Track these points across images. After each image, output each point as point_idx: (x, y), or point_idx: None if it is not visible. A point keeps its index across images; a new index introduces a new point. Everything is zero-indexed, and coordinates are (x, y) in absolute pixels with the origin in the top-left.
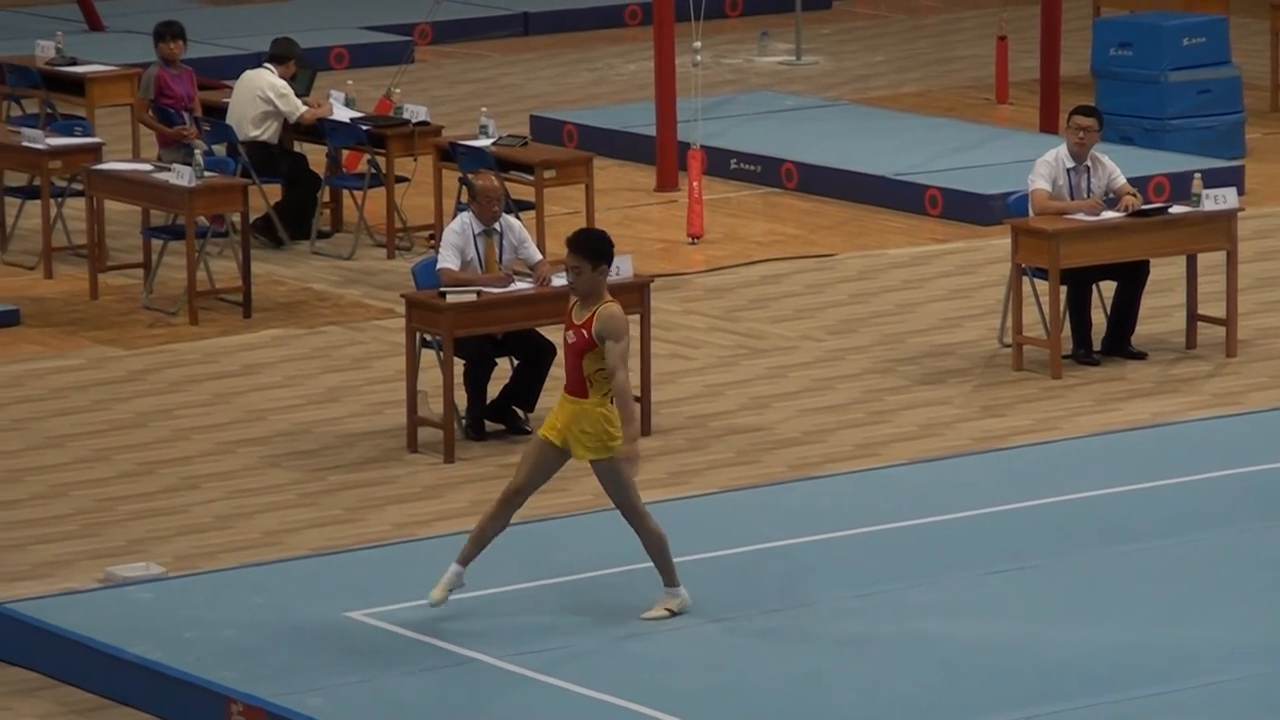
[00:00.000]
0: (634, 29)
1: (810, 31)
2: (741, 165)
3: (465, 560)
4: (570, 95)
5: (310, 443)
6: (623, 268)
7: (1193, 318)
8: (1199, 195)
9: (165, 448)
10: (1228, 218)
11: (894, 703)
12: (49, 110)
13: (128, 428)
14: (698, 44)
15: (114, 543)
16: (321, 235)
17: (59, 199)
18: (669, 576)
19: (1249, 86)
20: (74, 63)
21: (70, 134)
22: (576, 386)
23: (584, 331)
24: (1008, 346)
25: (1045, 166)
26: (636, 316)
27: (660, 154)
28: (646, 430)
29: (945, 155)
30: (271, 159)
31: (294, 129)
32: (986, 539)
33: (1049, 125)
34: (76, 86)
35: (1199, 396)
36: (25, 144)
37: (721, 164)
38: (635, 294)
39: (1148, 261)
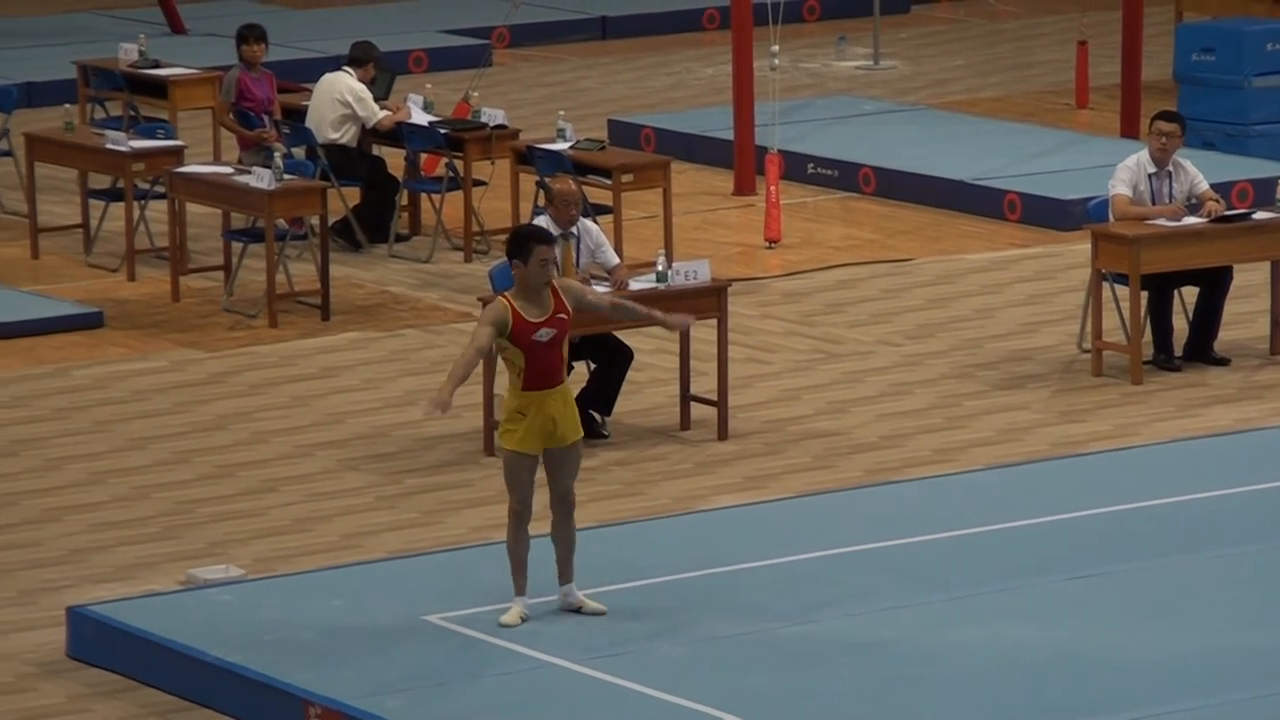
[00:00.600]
0: (712, 33)
1: (888, 36)
2: (819, 170)
3: (523, 589)
4: (648, 99)
5: (388, 446)
6: (700, 272)
7: (1276, 323)
8: None
9: (244, 450)
10: None
11: (975, 707)
12: (132, 113)
13: (208, 430)
14: (775, 48)
15: (194, 545)
16: (399, 238)
17: (142, 201)
18: (570, 573)
19: None
20: (156, 65)
21: (153, 136)
22: (560, 374)
23: (561, 315)
24: (1087, 352)
25: (1126, 172)
26: (714, 321)
27: (738, 158)
28: (724, 434)
29: (1024, 160)
30: (350, 162)
31: (372, 133)
32: (1067, 544)
33: (1130, 130)
34: (159, 89)
35: None
36: (109, 146)
37: (799, 168)
38: (712, 298)
39: (1231, 267)
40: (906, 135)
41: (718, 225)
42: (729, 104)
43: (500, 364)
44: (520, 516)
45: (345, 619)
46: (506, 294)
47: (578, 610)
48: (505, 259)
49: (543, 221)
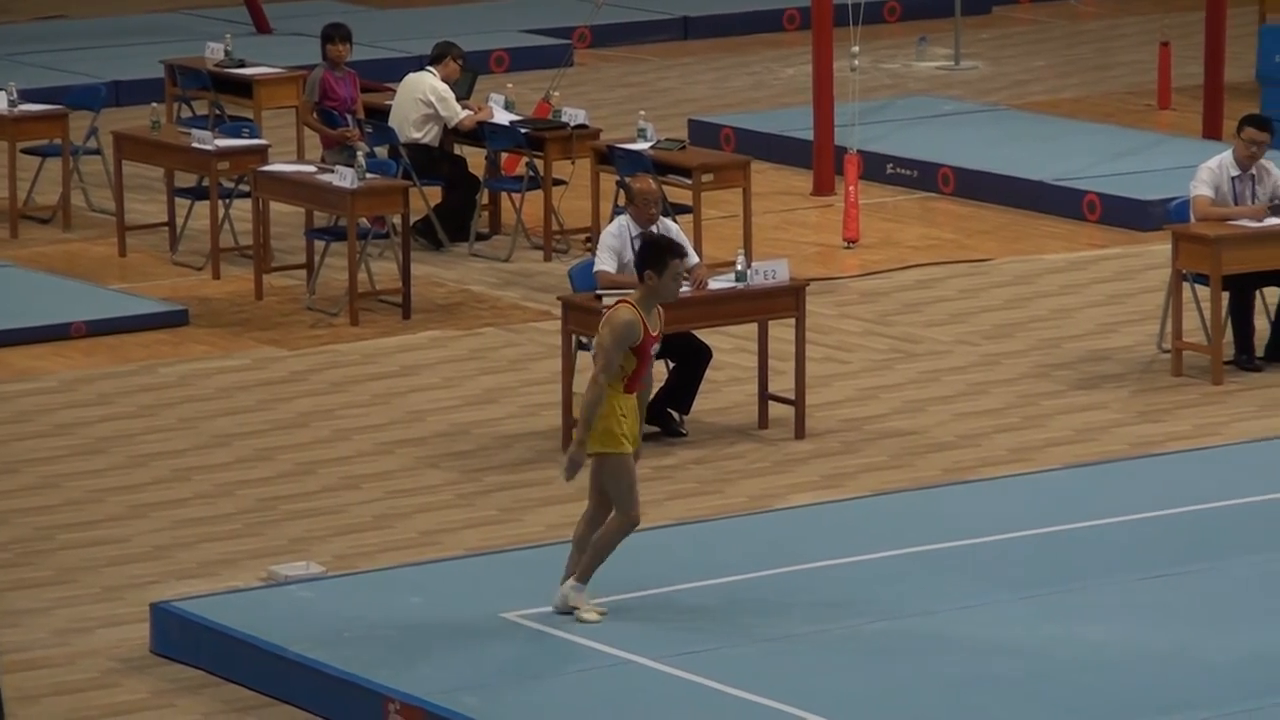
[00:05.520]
0: (792, 34)
1: (969, 36)
2: (898, 170)
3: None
4: (728, 99)
5: (467, 444)
6: (778, 271)
7: None
8: None
9: (325, 448)
10: None
11: (1050, 706)
12: (217, 112)
13: (289, 428)
14: (856, 49)
15: (276, 542)
16: (480, 237)
17: (226, 200)
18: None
19: None
20: (242, 65)
21: (238, 135)
22: None
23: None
24: (1167, 352)
25: (1208, 173)
26: (792, 320)
27: (817, 158)
28: (801, 433)
29: (1104, 161)
30: (432, 161)
31: (454, 132)
32: (1144, 544)
33: (1212, 132)
34: (244, 88)
35: None
36: (195, 145)
37: (878, 168)
38: (790, 297)
39: None
40: (986, 136)
41: (796, 225)
42: (809, 104)
43: (581, 362)
44: (631, 529)
45: (424, 616)
46: (632, 301)
47: (571, 611)
48: (588, 257)
49: (623, 221)
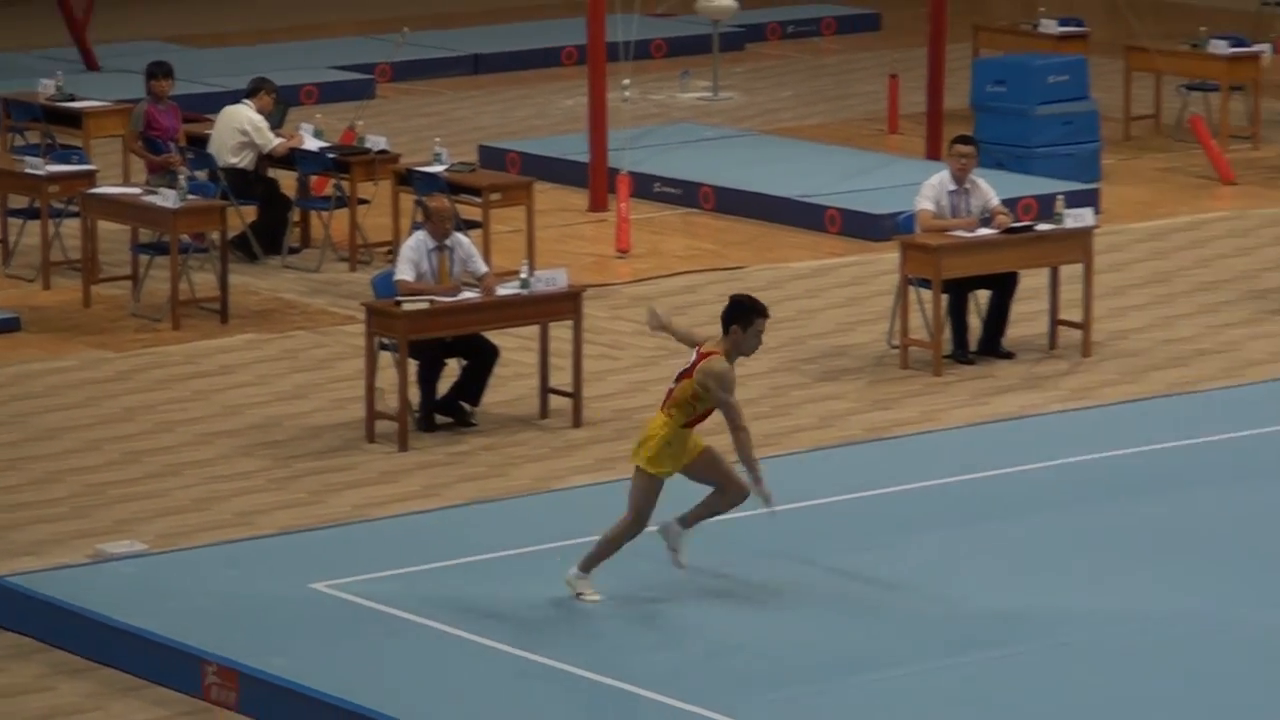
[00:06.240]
0: (570, 68)
1: (725, 70)
2: (664, 188)
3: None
4: (514, 127)
5: (279, 434)
6: (558, 279)
7: (1054, 322)
8: (1061, 214)
9: (149, 439)
10: (1085, 234)
11: (766, 660)
12: (49, 141)
13: (116, 421)
14: (626, 82)
15: (102, 523)
16: (291, 251)
17: (57, 219)
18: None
19: (1105, 118)
20: (72, 99)
21: (68, 162)
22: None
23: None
24: (895, 348)
25: (930, 189)
26: (570, 321)
27: (592, 178)
28: (578, 422)
29: (843, 179)
30: (248, 184)
31: (268, 158)
32: (877, 517)
33: (934, 153)
34: (74, 120)
35: (1059, 391)
36: (27, 170)
37: (646, 187)
38: (569, 302)
39: (1017, 273)
40: (741, 158)
41: (574, 238)
42: (585, 131)
43: (382, 361)
44: (637, 533)
45: (239, 588)
46: (720, 353)
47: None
48: (389, 267)
49: (420, 236)
